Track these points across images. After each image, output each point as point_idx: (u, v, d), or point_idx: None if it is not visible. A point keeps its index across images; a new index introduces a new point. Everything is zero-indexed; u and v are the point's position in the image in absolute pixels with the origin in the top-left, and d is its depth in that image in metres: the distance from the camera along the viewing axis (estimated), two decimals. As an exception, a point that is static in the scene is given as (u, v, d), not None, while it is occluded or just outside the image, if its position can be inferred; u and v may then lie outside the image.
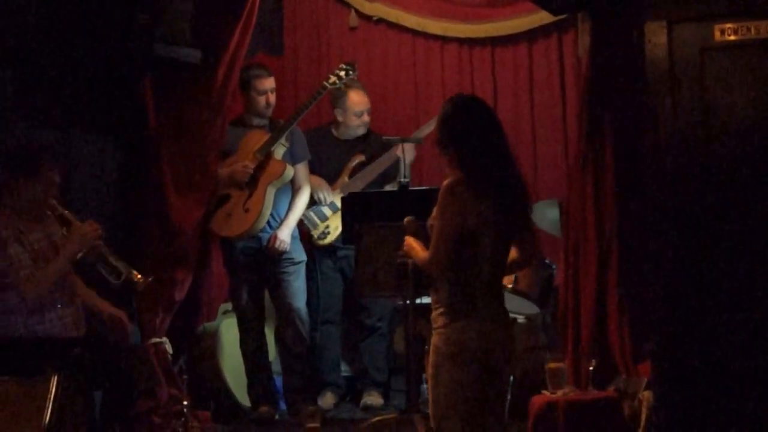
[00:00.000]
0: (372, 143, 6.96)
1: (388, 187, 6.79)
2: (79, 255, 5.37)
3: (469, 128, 4.08)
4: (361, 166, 6.90)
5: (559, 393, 5.36)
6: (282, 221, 6.58)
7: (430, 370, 4.08)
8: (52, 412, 4.14)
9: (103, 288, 5.86)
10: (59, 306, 5.30)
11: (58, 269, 5.28)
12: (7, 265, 5.16)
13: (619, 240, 5.62)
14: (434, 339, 4.09)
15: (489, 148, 4.06)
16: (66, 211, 5.41)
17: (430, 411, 4.12)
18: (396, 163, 6.64)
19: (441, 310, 4.06)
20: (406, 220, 4.33)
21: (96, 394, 5.60)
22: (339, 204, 6.54)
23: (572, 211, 5.80)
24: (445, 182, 4.04)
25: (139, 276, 5.53)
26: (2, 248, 5.16)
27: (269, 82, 6.64)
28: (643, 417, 5.16)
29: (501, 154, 4.09)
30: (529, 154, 7.42)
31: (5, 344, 5.25)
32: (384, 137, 6.80)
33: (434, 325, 4.10)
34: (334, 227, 6.71)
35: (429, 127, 6.46)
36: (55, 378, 4.30)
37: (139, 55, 6.13)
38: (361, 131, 6.97)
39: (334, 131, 7.03)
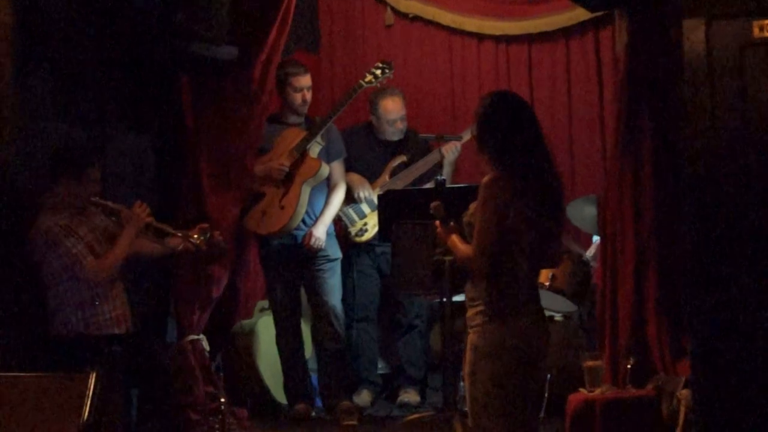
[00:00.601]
0: (414, 144, 6.94)
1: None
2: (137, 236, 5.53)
3: (507, 125, 4.05)
4: (402, 166, 6.88)
5: (597, 391, 5.34)
6: (317, 218, 6.58)
7: (467, 368, 4.05)
8: (90, 409, 4.15)
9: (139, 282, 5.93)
10: (110, 299, 5.39)
11: (121, 254, 5.43)
12: (70, 257, 5.25)
13: (657, 236, 5.59)
14: (471, 337, 4.06)
15: (527, 145, 4.03)
16: (110, 202, 5.51)
17: (468, 409, 4.11)
18: (437, 165, 6.63)
19: (479, 308, 4.03)
20: (433, 205, 4.29)
21: (133, 391, 5.64)
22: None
23: (610, 207, 5.77)
24: (485, 179, 4.01)
25: (196, 236, 5.65)
26: (59, 244, 5.26)
27: (305, 80, 6.63)
28: (682, 416, 5.12)
29: (539, 150, 4.06)
30: (566, 150, 7.41)
31: (45, 340, 5.31)
32: (421, 135, 6.79)
33: (471, 323, 4.07)
34: (372, 225, 6.70)
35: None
36: (94, 375, 4.32)
37: (177, 53, 6.18)
38: (396, 137, 6.91)
39: (375, 130, 7.01)
